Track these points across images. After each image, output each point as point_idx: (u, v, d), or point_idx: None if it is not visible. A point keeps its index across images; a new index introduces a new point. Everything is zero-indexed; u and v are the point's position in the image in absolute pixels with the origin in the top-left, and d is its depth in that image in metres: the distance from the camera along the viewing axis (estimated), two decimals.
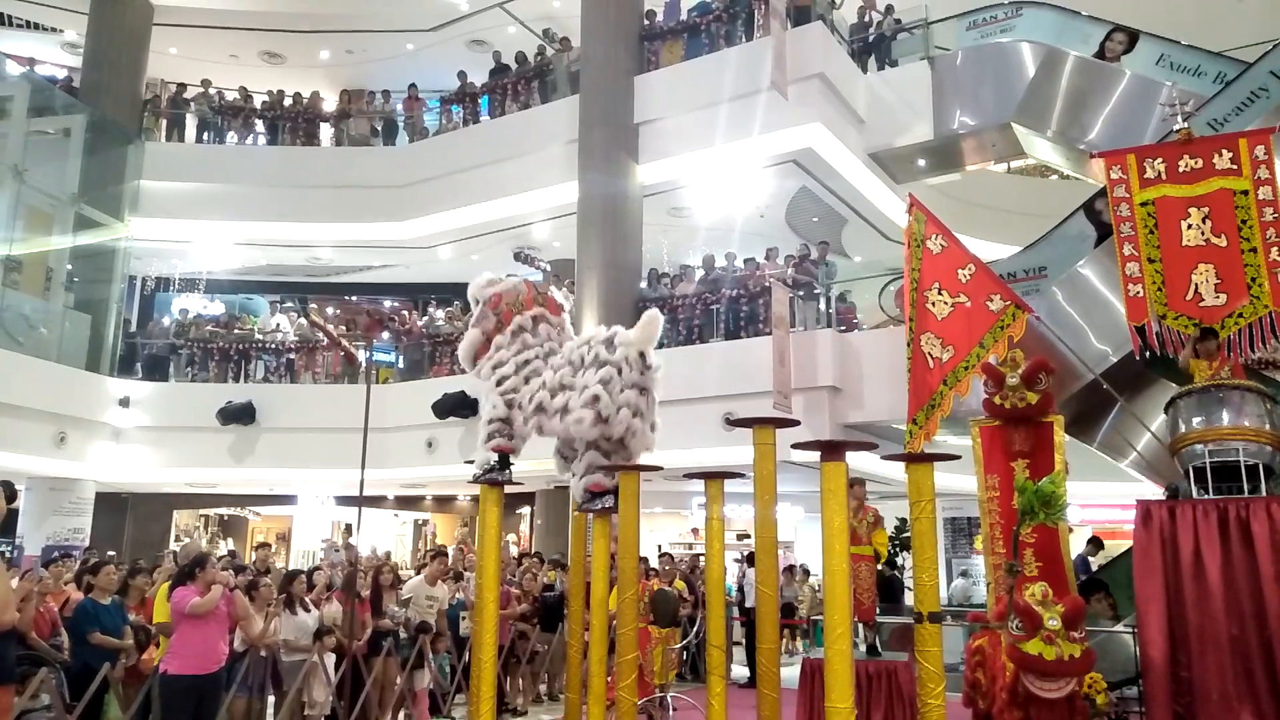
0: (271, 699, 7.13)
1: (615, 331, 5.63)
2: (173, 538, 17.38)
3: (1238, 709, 5.87)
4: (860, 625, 7.47)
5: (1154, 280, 7.31)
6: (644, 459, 5.65)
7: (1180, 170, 7.40)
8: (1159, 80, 10.81)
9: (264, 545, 11.76)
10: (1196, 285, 7.18)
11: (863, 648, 7.47)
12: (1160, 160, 7.50)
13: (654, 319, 5.53)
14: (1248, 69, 9.31)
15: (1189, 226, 7.29)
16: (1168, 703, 6.09)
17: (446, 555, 9.78)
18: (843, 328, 11.73)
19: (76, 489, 14.04)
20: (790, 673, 7.47)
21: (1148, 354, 7.39)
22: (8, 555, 12.65)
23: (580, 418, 5.34)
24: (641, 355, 5.46)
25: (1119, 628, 7.98)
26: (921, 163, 13.39)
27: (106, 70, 15.43)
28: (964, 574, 12.87)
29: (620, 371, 5.39)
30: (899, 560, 13.21)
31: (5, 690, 5.62)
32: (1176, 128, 7.70)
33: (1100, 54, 11.55)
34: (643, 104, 13.15)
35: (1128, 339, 7.57)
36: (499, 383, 5.85)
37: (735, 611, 12.26)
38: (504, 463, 5.83)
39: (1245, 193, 7.15)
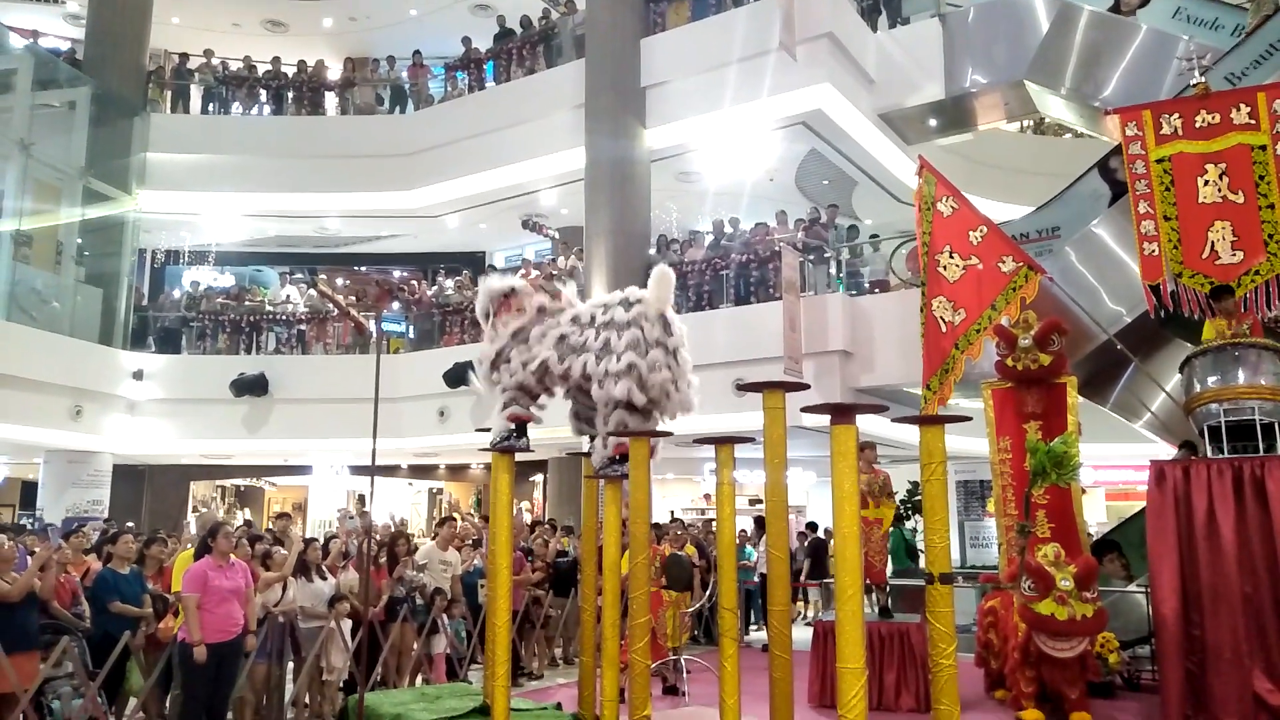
0: (290, 664, 7.24)
1: (629, 292, 5.57)
2: (190, 508, 17.59)
3: (1249, 666, 5.89)
4: (872, 587, 7.52)
5: (1170, 238, 7.22)
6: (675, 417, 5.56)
7: (1197, 126, 7.27)
8: (1175, 34, 10.60)
9: (284, 515, 11.83)
10: (1213, 243, 7.09)
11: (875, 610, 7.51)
12: (1176, 116, 7.37)
13: (665, 275, 5.43)
14: (1266, 21, 9.10)
15: (1206, 183, 7.18)
16: (1180, 661, 6.12)
17: (456, 521, 9.90)
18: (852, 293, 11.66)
19: (94, 461, 14.17)
20: (804, 634, 7.54)
21: (1163, 313, 7.32)
22: (30, 526, 12.80)
23: (626, 389, 5.25)
24: (662, 315, 5.39)
25: (1132, 588, 8.01)
26: (933, 123, 13.20)
27: (109, 41, 15.29)
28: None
29: (644, 330, 5.33)
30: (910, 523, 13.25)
31: (30, 657, 5.75)
32: (1193, 82, 7.57)
33: (1115, 8, 11.31)
34: (649, 67, 12.98)
35: (1142, 299, 7.50)
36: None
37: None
38: (521, 430, 5.82)
39: (1264, 148, 7.03)
